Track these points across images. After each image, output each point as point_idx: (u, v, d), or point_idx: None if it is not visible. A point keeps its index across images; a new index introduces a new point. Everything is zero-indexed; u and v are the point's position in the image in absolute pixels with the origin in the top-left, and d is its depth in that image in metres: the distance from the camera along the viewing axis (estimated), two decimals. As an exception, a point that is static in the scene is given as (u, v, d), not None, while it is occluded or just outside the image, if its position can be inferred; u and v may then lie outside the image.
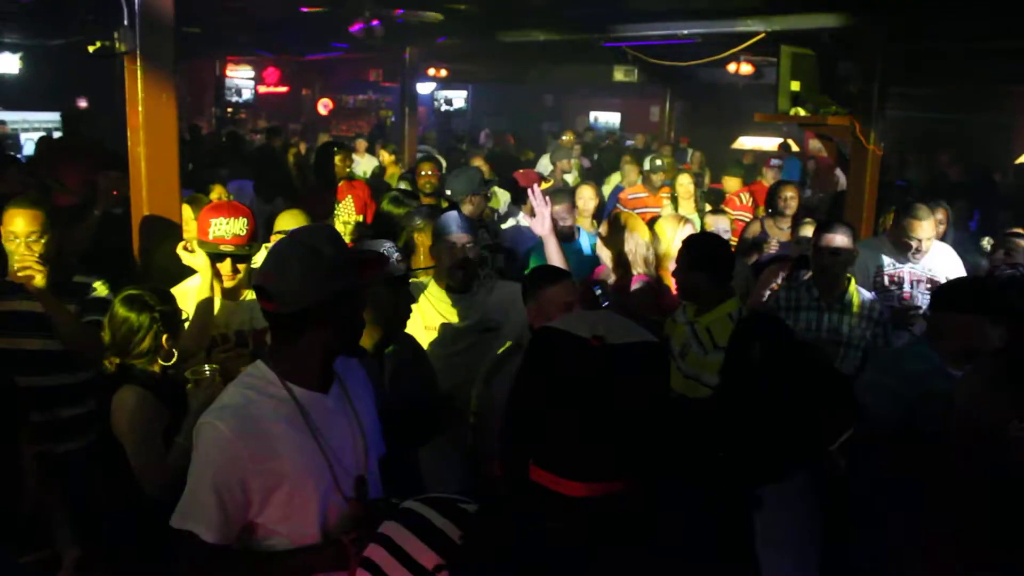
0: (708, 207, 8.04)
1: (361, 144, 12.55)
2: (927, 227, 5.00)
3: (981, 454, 2.67)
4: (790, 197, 6.41)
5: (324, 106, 20.17)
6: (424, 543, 1.41)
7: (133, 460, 2.99)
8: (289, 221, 4.58)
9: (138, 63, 4.38)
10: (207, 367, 3.13)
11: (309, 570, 2.15)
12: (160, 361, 3.16)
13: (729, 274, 4.00)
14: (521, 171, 8.93)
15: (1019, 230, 5.95)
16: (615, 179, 10.34)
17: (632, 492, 1.34)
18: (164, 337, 3.14)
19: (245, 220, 3.63)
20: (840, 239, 4.44)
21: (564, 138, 12.04)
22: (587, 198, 6.63)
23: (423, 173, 6.92)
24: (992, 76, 10.48)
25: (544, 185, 8.78)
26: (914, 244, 5.00)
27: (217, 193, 7.63)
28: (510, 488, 1.39)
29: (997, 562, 2.62)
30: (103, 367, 3.21)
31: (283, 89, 20.04)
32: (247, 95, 18.12)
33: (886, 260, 5.16)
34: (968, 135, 14.66)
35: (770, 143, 15.96)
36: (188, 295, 3.59)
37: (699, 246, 4.05)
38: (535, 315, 3.35)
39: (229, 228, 3.61)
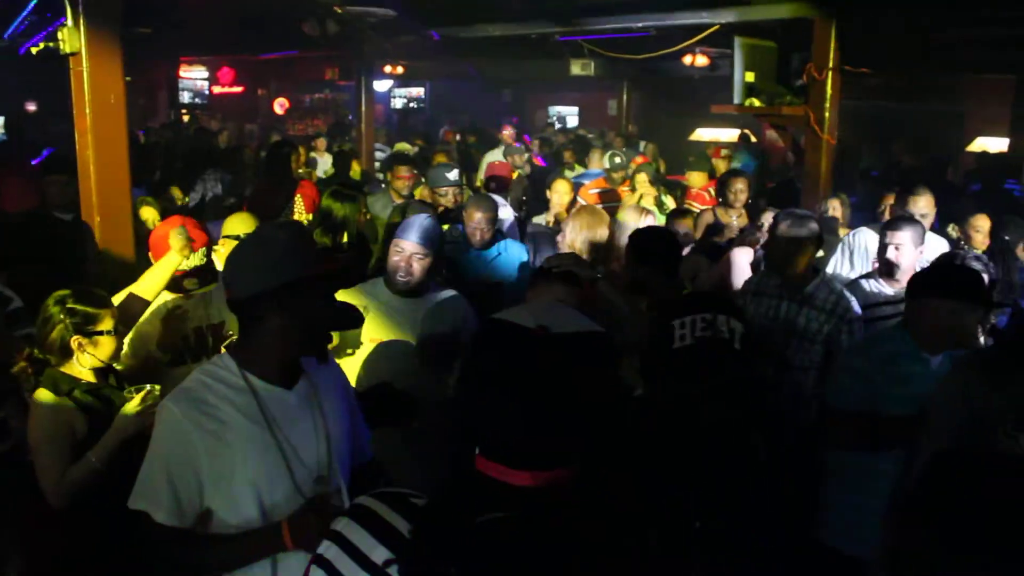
0: (672, 203, 8.05)
1: (321, 143, 12.46)
2: (923, 203, 5.02)
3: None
4: (740, 190, 6.41)
5: (280, 105, 19.98)
6: (375, 538, 1.41)
7: (35, 465, 2.95)
8: (238, 225, 4.50)
9: (84, 65, 4.30)
10: (149, 387, 3.06)
11: (249, 550, 2.17)
12: (79, 364, 3.10)
13: (677, 267, 4.00)
14: (497, 163, 8.87)
15: (980, 217, 6.04)
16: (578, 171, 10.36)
17: (578, 480, 1.36)
18: (75, 339, 3.07)
19: (203, 251, 3.60)
20: (799, 231, 4.30)
21: (505, 133, 11.98)
22: (561, 192, 6.65)
23: (400, 175, 6.93)
24: (943, 65, 10.61)
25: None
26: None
27: (174, 194, 7.57)
28: (457, 479, 1.40)
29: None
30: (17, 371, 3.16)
31: (238, 89, 19.80)
32: (202, 96, 17.89)
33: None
34: (921, 123, 14.87)
35: (728, 134, 16.06)
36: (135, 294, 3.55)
37: (645, 239, 4.03)
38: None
39: (189, 262, 3.59)
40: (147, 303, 3.54)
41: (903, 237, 4.43)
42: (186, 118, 17.11)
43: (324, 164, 11.62)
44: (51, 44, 4.22)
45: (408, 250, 3.66)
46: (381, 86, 17.17)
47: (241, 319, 2.23)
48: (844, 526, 3.48)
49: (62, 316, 3.07)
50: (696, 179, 8.76)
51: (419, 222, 3.74)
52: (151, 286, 3.52)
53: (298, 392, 2.27)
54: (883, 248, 4.51)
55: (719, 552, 2.16)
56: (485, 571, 1.29)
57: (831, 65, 7.14)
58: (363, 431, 2.60)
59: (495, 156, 11.08)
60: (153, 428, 2.20)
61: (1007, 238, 5.33)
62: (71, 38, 4.22)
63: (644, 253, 3.91)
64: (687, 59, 10.60)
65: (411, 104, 19.32)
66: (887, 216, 5.99)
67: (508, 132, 11.96)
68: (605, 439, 1.38)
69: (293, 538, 2.12)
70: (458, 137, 14.51)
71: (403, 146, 12.07)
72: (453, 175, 6.20)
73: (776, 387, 4.18)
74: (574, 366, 1.33)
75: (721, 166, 9.46)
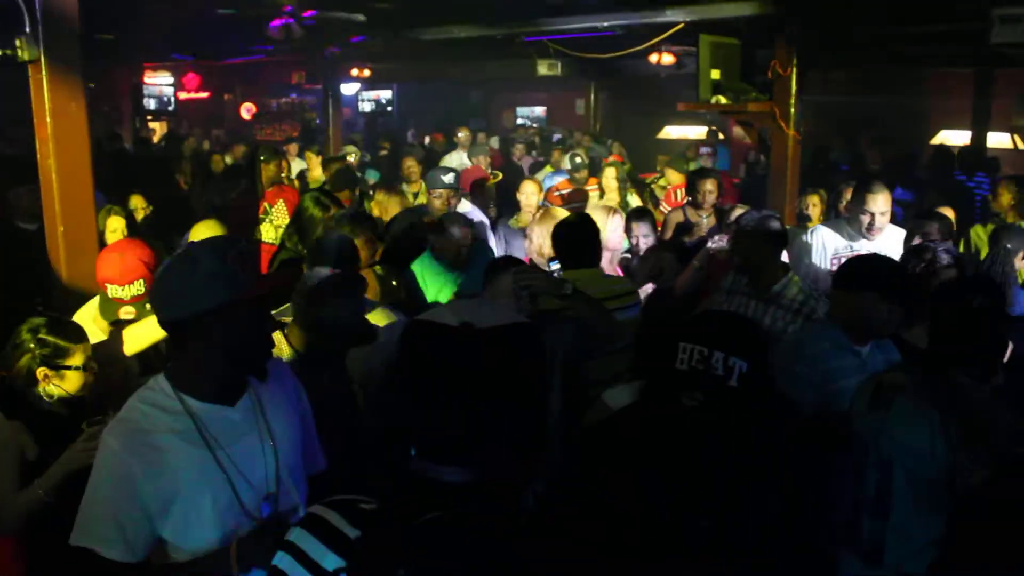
0: (637, 202, 8.08)
1: (292, 148, 12.39)
2: (881, 201, 5.04)
3: None
4: (709, 190, 6.43)
5: (247, 110, 19.86)
6: (326, 546, 1.41)
7: None
8: (205, 233, 4.44)
9: (43, 72, 4.23)
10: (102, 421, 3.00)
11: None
12: (44, 394, 3.05)
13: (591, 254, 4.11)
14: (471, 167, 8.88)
15: (943, 210, 6.08)
16: (546, 171, 10.37)
17: (514, 474, 1.38)
18: (41, 369, 3.03)
19: (141, 281, 3.57)
20: (763, 229, 4.35)
21: (460, 135, 11.96)
22: (529, 193, 6.69)
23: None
24: (905, 60, 10.73)
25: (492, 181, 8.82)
26: (866, 219, 5.02)
27: (135, 203, 7.46)
28: (398, 483, 1.41)
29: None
30: None
31: (204, 95, 19.65)
32: (167, 102, 17.70)
33: (841, 242, 5.17)
34: (886, 118, 15.02)
35: (696, 132, 16.15)
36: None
37: (567, 235, 4.16)
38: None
39: (126, 292, 3.57)
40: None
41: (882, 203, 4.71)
42: (153, 126, 16.94)
43: (294, 169, 11.52)
44: (8, 52, 4.16)
45: None
46: (348, 89, 17.11)
47: (171, 340, 2.19)
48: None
49: (32, 345, 3.02)
50: (674, 176, 8.80)
51: (333, 246, 3.91)
52: (139, 340, 3.51)
53: (242, 408, 2.22)
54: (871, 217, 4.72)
55: (704, 552, 2.15)
56: (431, 573, 1.31)
57: (795, 61, 7.19)
58: (315, 441, 2.55)
59: (456, 158, 11.09)
60: (94, 463, 2.14)
61: (1009, 246, 5.30)
62: (29, 46, 4.16)
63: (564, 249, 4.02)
64: (653, 58, 10.62)
65: (384, 107, 19.27)
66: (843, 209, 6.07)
67: (464, 134, 11.93)
68: (538, 429, 1.40)
69: (238, 560, 2.08)
70: (427, 140, 14.47)
71: (349, 148, 12.02)
72: (449, 178, 6.27)
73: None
74: (500, 360, 1.35)
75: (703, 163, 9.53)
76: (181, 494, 2.09)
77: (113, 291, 3.56)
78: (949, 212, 5.87)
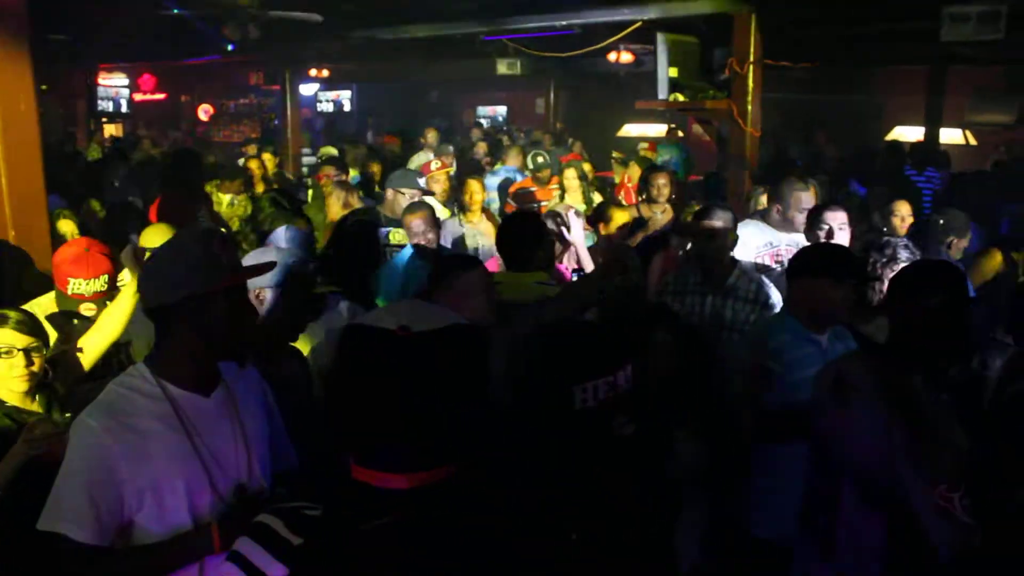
0: (599, 197, 8.11)
1: (252, 149, 12.26)
2: (809, 198, 5.10)
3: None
4: (662, 184, 6.47)
5: (205, 112, 19.65)
6: (271, 554, 1.42)
7: None
8: (154, 237, 4.30)
9: (-9, 73, 4.16)
10: (55, 420, 2.93)
11: (177, 557, 2.14)
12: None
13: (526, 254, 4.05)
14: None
15: (901, 204, 6.16)
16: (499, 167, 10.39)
17: (458, 478, 1.37)
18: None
19: (105, 276, 3.52)
20: (718, 223, 4.36)
21: (429, 136, 11.93)
22: (473, 191, 6.68)
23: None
24: (860, 58, 10.88)
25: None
26: (801, 216, 5.03)
27: (94, 207, 7.36)
28: (336, 489, 1.42)
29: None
30: None
31: (160, 96, 19.43)
32: (122, 103, 17.47)
33: (771, 237, 5.18)
34: (843, 114, 15.21)
35: (656, 129, 16.23)
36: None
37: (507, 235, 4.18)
38: (451, 303, 3.26)
39: (89, 288, 3.51)
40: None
41: (842, 217, 4.65)
42: (108, 128, 16.71)
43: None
44: (-45, 52, 4.08)
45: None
46: (307, 90, 16.99)
47: (155, 327, 2.22)
48: (772, 518, 3.51)
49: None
50: (635, 171, 8.84)
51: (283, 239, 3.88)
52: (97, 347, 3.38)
53: (216, 399, 2.26)
54: (829, 232, 4.64)
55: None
56: None
57: (752, 59, 7.25)
58: (284, 438, 2.57)
59: (423, 158, 11.05)
60: (68, 446, 2.14)
61: (940, 221, 5.41)
62: (-24, 45, 4.09)
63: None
64: (612, 56, 10.68)
65: (341, 107, 19.18)
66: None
67: (432, 135, 11.91)
68: (481, 432, 1.40)
69: (223, 539, 2.10)
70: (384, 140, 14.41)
71: (329, 150, 11.94)
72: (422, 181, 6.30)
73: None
74: (438, 362, 1.33)
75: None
76: (160, 478, 2.12)
77: (75, 286, 3.49)
78: (904, 207, 5.96)
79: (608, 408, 1.83)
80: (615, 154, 11.18)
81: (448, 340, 1.36)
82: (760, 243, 5.10)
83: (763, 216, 5.34)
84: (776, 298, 4.31)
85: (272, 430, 2.47)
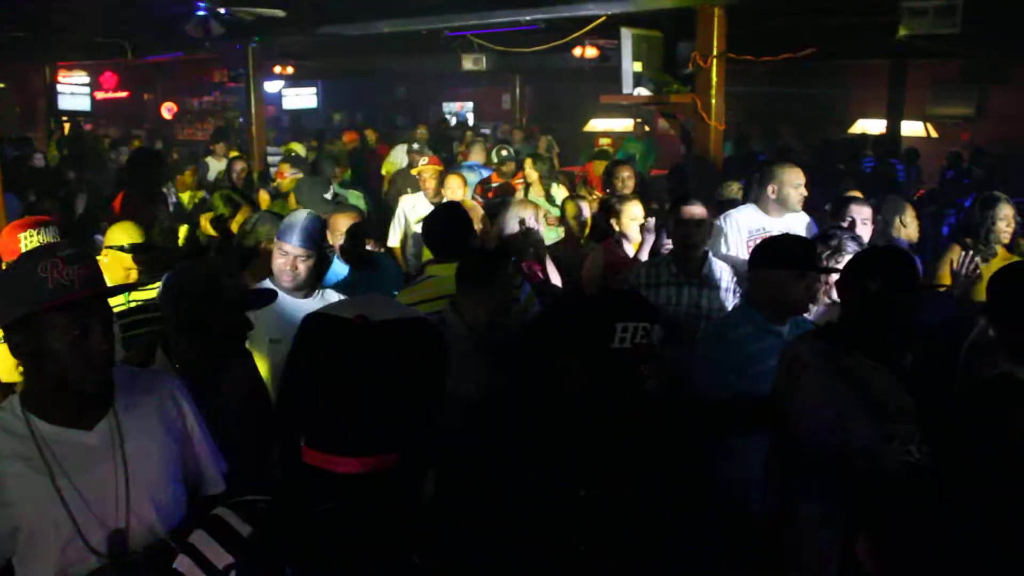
0: (565, 192, 8.14)
1: (220, 148, 12.16)
2: (801, 176, 5.21)
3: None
4: (627, 177, 6.54)
5: (168, 110, 19.44)
6: (220, 546, 1.43)
7: None
8: (120, 235, 4.24)
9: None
10: None
11: None
12: None
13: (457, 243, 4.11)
14: None
15: (854, 194, 6.23)
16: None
17: (406, 464, 1.41)
18: None
19: (55, 228, 3.52)
20: (700, 211, 4.52)
21: (419, 132, 11.94)
22: (454, 187, 6.80)
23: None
24: (824, 52, 10.95)
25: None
26: (796, 193, 5.15)
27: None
28: (288, 477, 1.47)
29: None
30: None
31: (123, 94, 19.17)
32: (83, 102, 17.23)
33: (764, 222, 5.23)
34: (808, 107, 15.35)
35: (622, 124, 16.29)
36: None
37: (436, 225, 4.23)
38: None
39: (42, 238, 3.48)
40: None
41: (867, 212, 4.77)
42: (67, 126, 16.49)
43: (219, 168, 11.31)
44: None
45: (291, 252, 3.66)
46: (272, 87, 16.87)
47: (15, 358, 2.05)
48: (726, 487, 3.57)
49: None
50: (599, 167, 8.89)
51: (300, 223, 3.71)
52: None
53: (99, 433, 2.07)
54: (851, 224, 4.77)
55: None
56: (319, 566, 1.34)
57: (716, 53, 7.27)
58: (211, 460, 2.37)
59: (398, 155, 11.04)
60: None
61: (880, 217, 5.50)
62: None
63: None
64: (577, 51, 10.68)
65: (309, 104, 19.04)
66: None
67: (421, 132, 11.93)
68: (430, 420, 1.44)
69: None
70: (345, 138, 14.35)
71: (295, 146, 11.86)
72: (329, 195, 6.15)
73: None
74: (393, 351, 1.38)
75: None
76: (21, 525, 1.97)
77: (28, 240, 3.51)
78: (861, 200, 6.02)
79: (640, 353, 2.35)
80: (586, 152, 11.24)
81: (404, 330, 1.41)
82: (754, 227, 5.18)
83: (756, 201, 5.42)
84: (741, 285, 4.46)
85: (189, 453, 2.28)
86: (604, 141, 11.27)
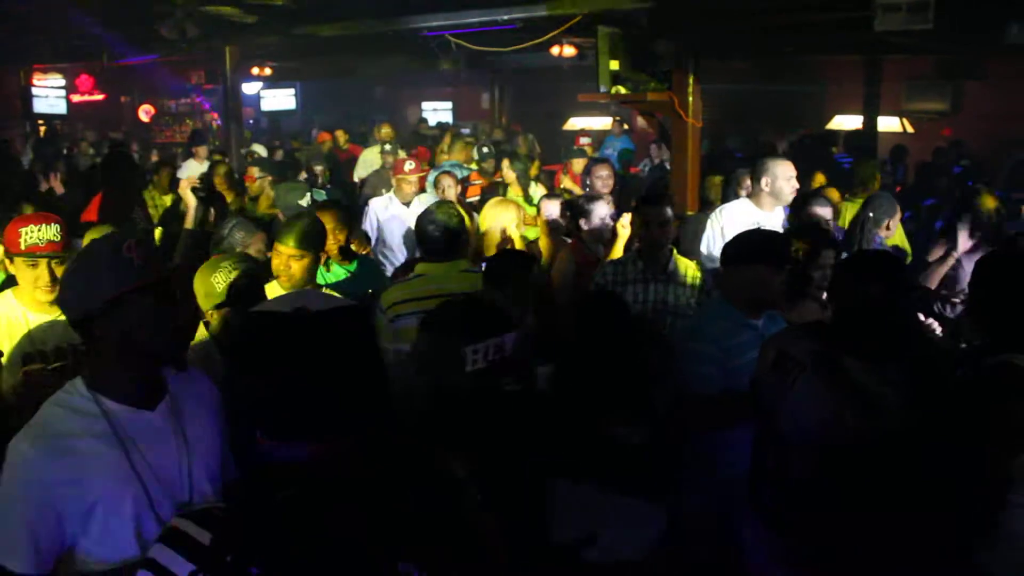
0: (543, 190, 8.16)
1: (202, 151, 12.09)
2: (793, 168, 5.32)
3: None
4: (606, 176, 6.57)
5: (146, 112, 19.31)
6: (180, 555, 1.44)
7: None
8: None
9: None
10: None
11: None
12: None
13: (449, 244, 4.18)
14: None
15: (831, 192, 6.29)
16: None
17: (357, 448, 1.47)
18: None
19: (57, 226, 3.48)
20: (667, 211, 4.58)
21: (383, 131, 11.90)
22: (447, 187, 6.88)
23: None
24: (799, 48, 11.01)
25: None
26: (789, 187, 5.24)
27: (30, 210, 7.23)
28: (243, 465, 1.51)
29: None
30: None
31: (99, 97, 19.02)
32: (59, 105, 17.09)
33: (758, 217, 5.29)
34: (785, 103, 15.43)
35: (602, 122, 16.31)
36: None
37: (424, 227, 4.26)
38: None
39: (43, 235, 3.45)
40: None
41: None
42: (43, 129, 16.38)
43: (200, 170, 11.24)
44: None
45: (284, 252, 3.89)
46: (250, 88, 16.79)
47: (84, 341, 2.17)
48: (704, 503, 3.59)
49: None
50: (577, 166, 8.92)
51: (296, 225, 3.95)
52: None
53: (161, 412, 2.19)
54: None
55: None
56: (284, 565, 1.37)
57: (692, 51, 7.32)
58: (229, 464, 2.46)
59: (372, 153, 11.01)
60: (3, 473, 2.06)
61: (871, 214, 5.52)
62: None
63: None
64: (555, 50, 10.67)
65: (287, 106, 18.97)
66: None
67: (385, 131, 11.86)
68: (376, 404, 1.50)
69: None
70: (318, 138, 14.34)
71: (257, 148, 11.85)
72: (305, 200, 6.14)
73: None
74: (332, 339, 1.45)
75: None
76: (100, 502, 2.04)
77: (28, 236, 3.44)
78: (834, 194, 6.09)
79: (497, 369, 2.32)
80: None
81: (339, 319, 1.48)
82: (748, 221, 5.22)
83: (750, 196, 5.51)
84: (707, 280, 4.58)
85: (223, 443, 2.39)
86: (584, 140, 11.25)
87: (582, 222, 5.43)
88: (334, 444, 1.43)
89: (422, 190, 7.33)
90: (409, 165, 7.09)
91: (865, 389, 2.74)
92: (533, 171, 9.48)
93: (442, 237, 4.14)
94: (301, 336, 1.43)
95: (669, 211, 4.59)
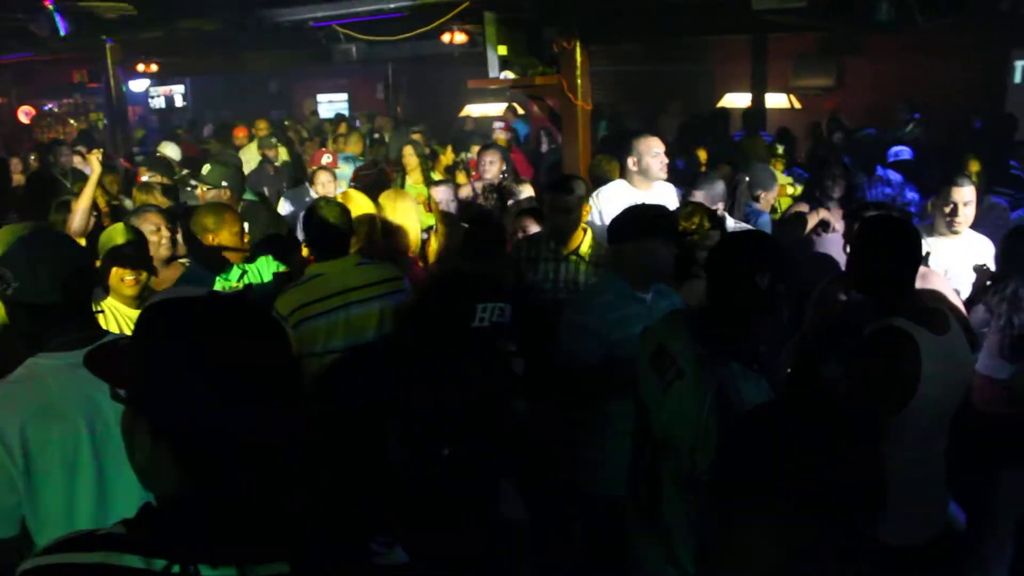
0: (439, 177, 8.16)
1: (97, 153, 11.64)
2: (659, 143, 5.51)
3: None
4: (490, 162, 6.65)
5: (26, 114, 18.54)
6: None
7: None
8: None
9: None
10: None
11: None
12: None
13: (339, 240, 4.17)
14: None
15: (722, 168, 6.42)
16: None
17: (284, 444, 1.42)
18: None
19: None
20: (570, 198, 4.59)
21: (260, 125, 11.74)
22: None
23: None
24: (686, 29, 11.20)
25: None
26: (656, 165, 5.44)
27: None
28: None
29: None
30: None
31: (-27, 99, 18.24)
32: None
33: (632, 197, 5.33)
34: (676, 84, 15.68)
35: (497, 108, 16.31)
36: None
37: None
38: None
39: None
40: None
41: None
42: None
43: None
44: None
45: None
46: (137, 86, 16.28)
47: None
48: (592, 470, 3.69)
49: None
50: (473, 152, 8.95)
51: None
52: None
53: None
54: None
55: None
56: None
57: (578, 34, 7.37)
58: None
59: (249, 153, 10.86)
60: None
61: (747, 178, 5.68)
62: None
63: None
64: (445, 37, 10.62)
65: (176, 102, 18.46)
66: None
67: (262, 126, 11.71)
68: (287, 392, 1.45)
69: None
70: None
71: (164, 147, 11.51)
72: None
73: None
74: (237, 321, 1.42)
75: (501, 138, 9.81)
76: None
77: None
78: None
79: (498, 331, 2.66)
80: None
81: (243, 300, 1.50)
82: (625, 201, 5.30)
83: (623, 176, 5.68)
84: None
85: None
86: (497, 126, 11.29)
87: (510, 203, 5.59)
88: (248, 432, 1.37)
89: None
90: (327, 158, 7.01)
91: (740, 397, 2.62)
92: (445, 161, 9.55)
93: (332, 235, 4.09)
94: (208, 320, 1.40)
95: (578, 195, 4.61)
